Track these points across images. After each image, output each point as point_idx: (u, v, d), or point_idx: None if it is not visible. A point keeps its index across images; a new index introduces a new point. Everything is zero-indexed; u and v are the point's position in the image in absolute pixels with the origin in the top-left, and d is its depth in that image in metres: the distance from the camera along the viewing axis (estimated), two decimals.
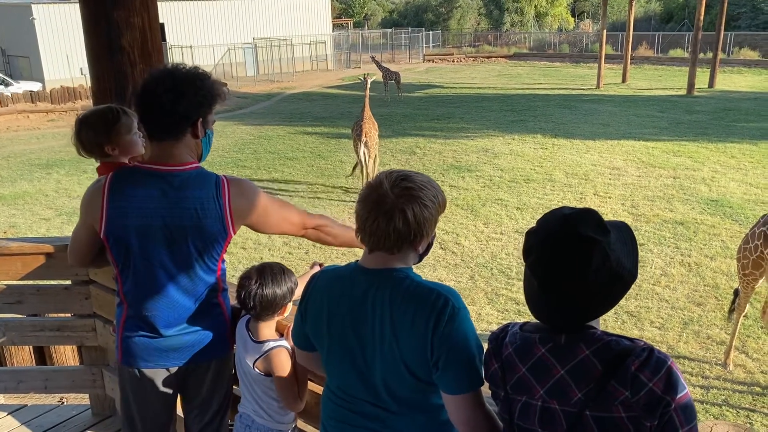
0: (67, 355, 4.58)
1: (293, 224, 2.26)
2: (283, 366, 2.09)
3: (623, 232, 1.40)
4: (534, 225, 1.44)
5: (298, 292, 2.11)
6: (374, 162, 10.94)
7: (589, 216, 1.37)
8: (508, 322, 1.59)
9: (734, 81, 25.45)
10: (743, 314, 5.50)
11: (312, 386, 2.19)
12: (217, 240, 2.05)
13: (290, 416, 2.22)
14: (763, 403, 5.00)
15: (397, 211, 1.53)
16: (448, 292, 1.56)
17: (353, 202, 10.38)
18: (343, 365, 1.67)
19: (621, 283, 1.36)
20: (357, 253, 1.85)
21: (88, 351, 3.03)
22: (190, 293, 2.08)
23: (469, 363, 1.52)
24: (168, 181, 2.01)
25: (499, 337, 1.52)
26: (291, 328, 2.10)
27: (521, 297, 6.97)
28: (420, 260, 1.68)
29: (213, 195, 2.02)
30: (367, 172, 10.77)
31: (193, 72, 2.01)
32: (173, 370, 2.16)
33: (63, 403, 3.88)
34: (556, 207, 1.45)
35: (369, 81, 12.40)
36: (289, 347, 2.13)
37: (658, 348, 1.34)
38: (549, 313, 1.38)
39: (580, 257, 1.32)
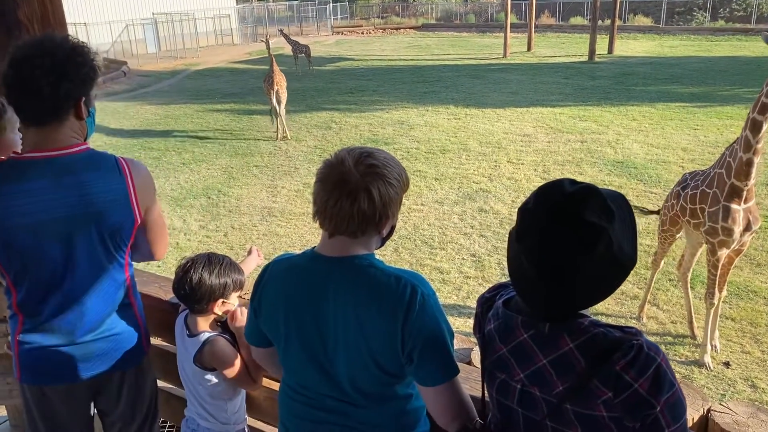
0: None
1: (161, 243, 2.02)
2: (224, 352, 1.97)
3: (622, 208, 1.26)
4: (528, 200, 1.30)
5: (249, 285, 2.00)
6: (284, 108, 12.68)
7: (594, 197, 1.23)
8: (500, 283, 1.48)
9: (631, 47, 26.61)
10: (658, 270, 5.81)
11: (264, 382, 2.09)
12: (123, 227, 1.84)
13: (238, 416, 2.11)
14: (675, 351, 5.30)
15: (362, 191, 1.41)
16: (416, 279, 1.46)
17: (270, 180, 10.16)
18: (303, 361, 1.54)
19: (621, 270, 1.25)
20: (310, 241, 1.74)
21: (0, 359, 2.80)
22: (98, 294, 1.87)
23: (445, 352, 1.44)
24: (58, 167, 1.77)
25: (485, 305, 1.42)
26: (241, 325, 1.99)
27: (444, 266, 7.11)
28: (382, 244, 1.57)
29: (114, 176, 1.80)
30: (280, 118, 12.50)
31: (71, 46, 1.78)
32: (82, 383, 1.93)
33: None
34: (554, 180, 1.31)
35: (270, 41, 14.14)
36: (228, 338, 2.04)
37: (648, 340, 1.25)
38: (545, 302, 1.25)
39: (583, 245, 1.19)
